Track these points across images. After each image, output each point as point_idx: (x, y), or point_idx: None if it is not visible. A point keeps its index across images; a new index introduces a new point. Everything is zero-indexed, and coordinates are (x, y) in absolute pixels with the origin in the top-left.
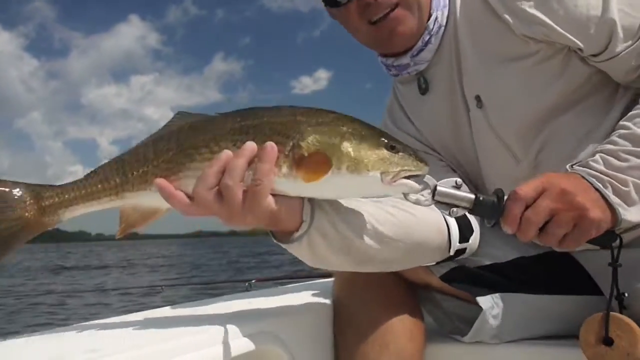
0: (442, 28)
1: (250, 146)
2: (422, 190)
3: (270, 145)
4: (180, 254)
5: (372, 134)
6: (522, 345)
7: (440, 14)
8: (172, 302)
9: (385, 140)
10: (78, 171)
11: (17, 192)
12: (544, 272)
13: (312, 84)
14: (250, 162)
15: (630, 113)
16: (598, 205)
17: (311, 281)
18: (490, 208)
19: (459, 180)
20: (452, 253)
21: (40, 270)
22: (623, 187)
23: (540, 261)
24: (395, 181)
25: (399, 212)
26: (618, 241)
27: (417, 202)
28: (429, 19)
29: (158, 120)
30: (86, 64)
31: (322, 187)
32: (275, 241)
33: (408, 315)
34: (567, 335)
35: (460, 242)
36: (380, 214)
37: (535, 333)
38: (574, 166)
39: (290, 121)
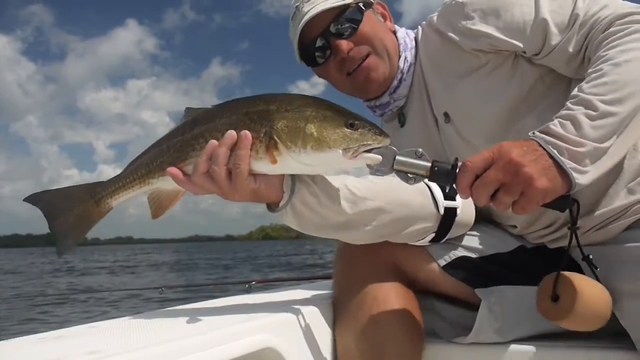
0: (412, 65)
1: (230, 135)
2: (383, 160)
3: (245, 134)
4: (177, 257)
5: (334, 115)
6: (522, 346)
7: (409, 53)
8: (172, 304)
9: (346, 119)
10: (74, 175)
11: (77, 192)
12: (542, 264)
13: (309, 88)
14: (233, 149)
15: (579, 84)
16: (546, 174)
17: (311, 283)
18: (445, 176)
19: (419, 150)
20: (442, 212)
21: (40, 273)
22: (579, 149)
23: (538, 253)
24: (356, 156)
25: (380, 179)
26: (576, 205)
27: (378, 172)
28: (399, 60)
29: (155, 125)
30: (83, 68)
31: (293, 166)
32: (269, 212)
33: (407, 316)
34: (565, 332)
35: (446, 200)
36: (359, 182)
37: (537, 329)
38: (535, 132)
39: (263, 110)
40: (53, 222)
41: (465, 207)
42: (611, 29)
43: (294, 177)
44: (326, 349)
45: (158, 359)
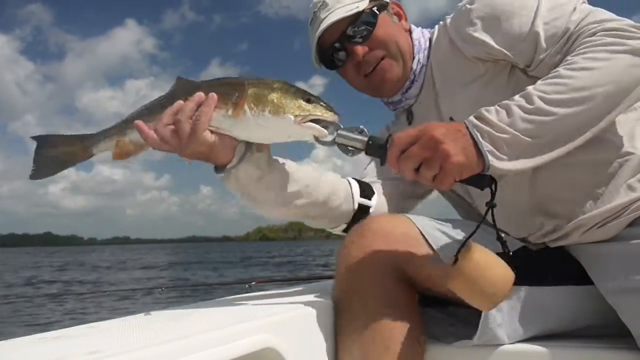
0: (424, 67)
1: (199, 95)
2: (328, 134)
3: (211, 95)
4: (174, 257)
5: (296, 90)
6: (523, 346)
7: (422, 55)
8: (172, 304)
9: (304, 95)
10: (71, 175)
11: (70, 138)
12: (546, 264)
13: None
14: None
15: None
16: (464, 152)
17: (311, 283)
18: (379, 149)
19: (360, 127)
20: (355, 207)
21: (39, 274)
22: (501, 135)
23: (541, 253)
24: (305, 122)
25: (310, 167)
26: (494, 185)
27: (322, 143)
28: (413, 61)
29: None
30: (81, 67)
31: (251, 124)
32: (215, 173)
33: (409, 317)
34: (573, 330)
35: (362, 198)
36: (297, 166)
37: (541, 329)
38: (473, 117)
39: (239, 82)
40: (39, 151)
41: (378, 208)
42: (589, 38)
43: (246, 148)
44: (326, 349)
45: (158, 359)
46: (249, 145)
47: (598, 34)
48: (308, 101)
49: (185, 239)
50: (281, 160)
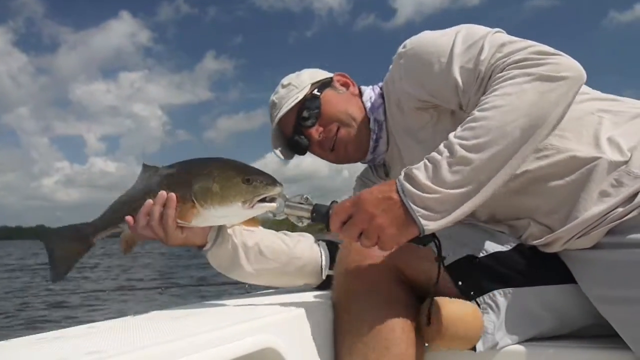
0: (384, 122)
1: (161, 195)
2: (277, 206)
3: (170, 196)
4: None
5: (234, 174)
6: (520, 347)
7: (378, 112)
8: (172, 304)
9: (243, 176)
10: (65, 167)
11: (68, 231)
12: (540, 262)
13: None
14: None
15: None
16: (396, 223)
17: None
18: (322, 219)
19: (305, 195)
20: (324, 277)
21: (34, 270)
22: (433, 196)
23: (536, 252)
24: (252, 206)
25: (288, 239)
26: (436, 240)
27: (274, 215)
28: (370, 121)
29: (147, 118)
30: (75, 59)
31: (209, 218)
32: (199, 250)
33: (409, 319)
34: (573, 330)
35: (331, 269)
36: (272, 241)
37: (538, 330)
38: (402, 173)
39: (187, 176)
40: (51, 255)
41: None
42: (499, 74)
43: (218, 232)
44: (326, 349)
45: (158, 359)
46: (220, 230)
47: (507, 68)
48: (248, 182)
49: None
50: (258, 233)
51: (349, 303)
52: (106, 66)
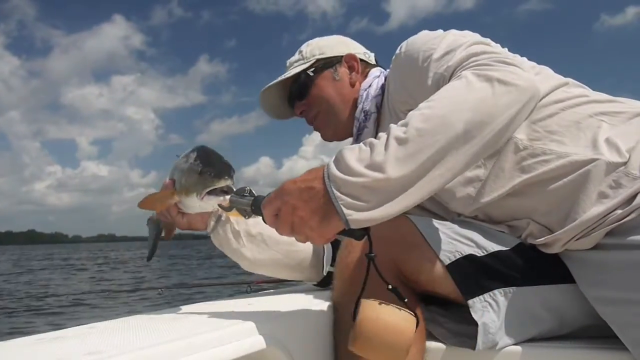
0: (374, 114)
1: (163, 183)
2: (228, 199)
3: (167, 183)
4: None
5: (193, 165)
6: (519, 347)
7: (368, 103)
8: (172, 304)
9: (201, 168)
10: (56, 172)
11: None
12: (541, 261)
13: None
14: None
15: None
16: (317, 215)
17: (311, 283)
18: (259, 212)
19: (247, 188)
20: (325, 274)
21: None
22: (357, 179)
23: (537, 251)
24: (202, 198)
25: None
26: (367, 234)
27: (224, 209)
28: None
29: (140, 121)
30: (67, 63)
31: (187, 207)
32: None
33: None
34: (573, 331)
35: (332, 265)
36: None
37: (538, 330)
38: (333, 157)
39: (178, 164)
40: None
41: None
42: (454, 75)
43: (218, 218)
44: (327, 349)
45: (158, 359)
46: (218, 217)
47: (463, 69)
48: (201, 174)
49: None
50: (260, 226)
51: (349, 303)
52: (99, 70)
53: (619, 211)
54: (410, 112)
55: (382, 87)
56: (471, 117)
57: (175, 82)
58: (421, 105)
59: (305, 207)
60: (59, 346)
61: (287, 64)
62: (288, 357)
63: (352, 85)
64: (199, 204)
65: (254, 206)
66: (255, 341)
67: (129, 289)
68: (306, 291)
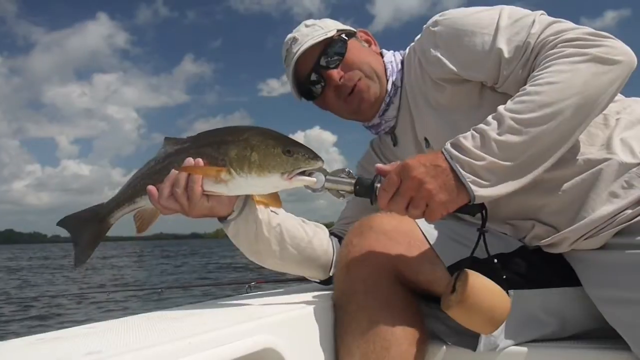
0: (399, 88)
1: (188, 162)
2: (316, 181)
3: (197, 161)
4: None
5: (275, 143)
6: (521, 348)
7: (395, 77)
8: (172, 304)
9: (284, 147)
10: (36, 170)
11: (86, 214)
12: (543, 265)
13: (279, 87)
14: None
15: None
16: (446, 189)
17: (311, 283)
18: (367, 191)
19: (347, 169)
20: (331, 273)
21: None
22: (479, 163)
23: (539, 254)
24: (291, 178)
25: (307, 226)
26: (483, 211)
27: (313, 190)
28: (387, 82)
29: (121, 120)
30: (49, 61)
31: (243, 187)
32: (219, 221)
33: (409, 319)
34: (574, 332)
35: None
36: (293, 225)
37: (542, 330)
38: (447, 143)
39: (220, 141)
40: (75, 240)
41: None
42: (551, 51)
43: (245, 202)
44: (327, 349)
45: (158, 359)
46: (247, 199)
47: (559, 45)
48: (288, 153)
49: (152, 236)
50: (281, 215)
51: (349, 303)
52: (81, 68)
53: (629, 211)
54: (517, 99)
55: (402, 63)
56: (579, 102)
57: (160, 81)
58: (529, 89)
59: (433, 181)
60: (59, 346)
61: (298, 37)
62: (288, 357)
63: (377, 55)
64: (281, 184)
65: (358, 185)
66: (255, 341)
67: (120, 289)
68: (306, 291)
